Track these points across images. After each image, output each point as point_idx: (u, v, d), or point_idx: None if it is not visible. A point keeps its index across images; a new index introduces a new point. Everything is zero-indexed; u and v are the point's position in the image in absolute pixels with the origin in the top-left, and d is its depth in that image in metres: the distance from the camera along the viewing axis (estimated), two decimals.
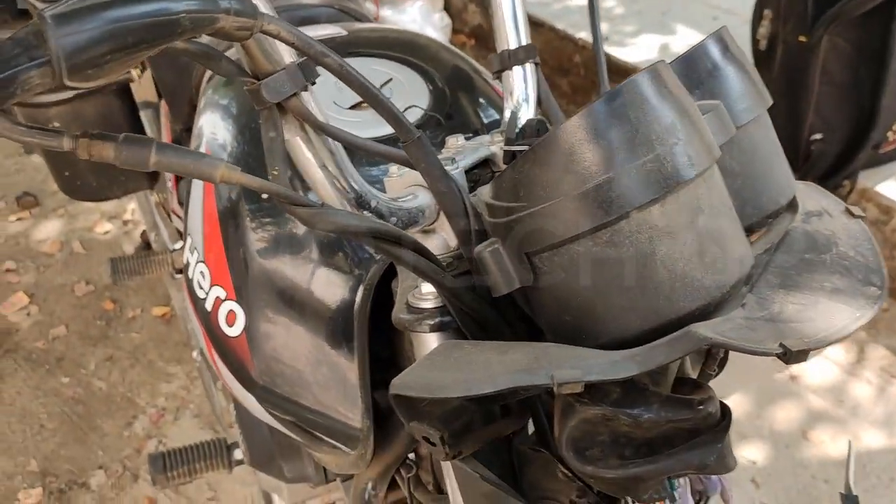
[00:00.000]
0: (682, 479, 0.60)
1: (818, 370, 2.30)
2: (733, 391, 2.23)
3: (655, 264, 0.53)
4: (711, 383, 0.66)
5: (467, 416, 0.62)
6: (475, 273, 0.61)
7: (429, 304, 0.64)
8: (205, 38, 0.53)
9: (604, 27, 3.22)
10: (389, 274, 0.81)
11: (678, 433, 0.58)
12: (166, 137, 1.59)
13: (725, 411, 0.59)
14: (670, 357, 0.51)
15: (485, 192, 0.61)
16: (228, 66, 0.57)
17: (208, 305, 0.90)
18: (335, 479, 1.12)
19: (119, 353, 2.46)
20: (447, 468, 0.68)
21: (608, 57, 3.04)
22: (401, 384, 0.54)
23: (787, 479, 2.06)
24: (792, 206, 0.71)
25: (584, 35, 3.18)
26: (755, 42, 2.49)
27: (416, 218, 0.67)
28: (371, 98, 0.57)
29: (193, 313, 0.95)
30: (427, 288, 0.64)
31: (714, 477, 0.66)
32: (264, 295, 0.87)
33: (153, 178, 1.78)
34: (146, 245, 2.48)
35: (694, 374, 0.70)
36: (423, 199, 0.69)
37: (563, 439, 0.58)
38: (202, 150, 1.01)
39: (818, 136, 2.37)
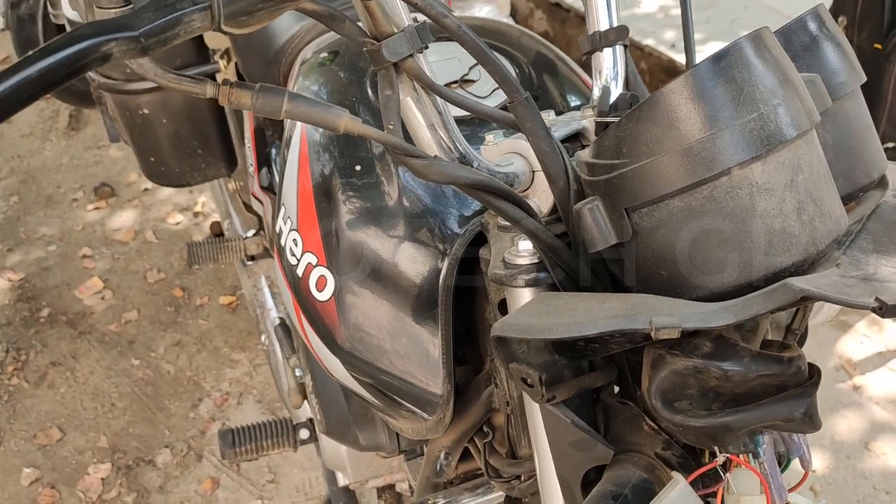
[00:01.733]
0: (766, 437, 0.62)
1: (882, 382, 2.27)
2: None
3: (754, 219, 0.56)
4: None
5: (559, 369, 0.64)
6: (571, 231, 0.64)
7: (525, 261, 0.67)
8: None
9: (671, 34, 3.22)
10: (473, 248, 0.85)
11: (766, 389, 0.60)
12: (249, 127, 1.65)
13: (814, 370, 0.61)
14: (766, 308, 0.53)
15: (584, 154, 0.63)
16: (351, 28, 0.61)
17: (300, 271, 0.95)
18: (406, 450, 1.15)
19: (187, 338, 2.54)
20: (535, 416, 0.70)
21: (675, 64, 3.04)
22: (503, 326, 0.57)
23: (848, 490, 2.03)
24: (882, 182, 0.72)
25: (651, 42, 3.19)
26: None
27: (512, 182, 0.71)
28: (485, 58, 0.60)
29: (283, 280, 1.00)
30: (524, 245, 0.67)
31: (798, 439, 0.67)
32: (353, 262, 0.91)
33: (232, 166, 1.85)
34: (216, 236, 2.56)
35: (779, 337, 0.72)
36: (519, 165, 0.72)
37: (651, 390, 0.60)
38: (297, 132, 1.05)
39: (891, 144, 2.34)
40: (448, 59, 1.02)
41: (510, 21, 3.56)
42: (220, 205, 2.28)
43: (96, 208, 3.01)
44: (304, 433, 1.72)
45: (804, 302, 0.54)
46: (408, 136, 0.66)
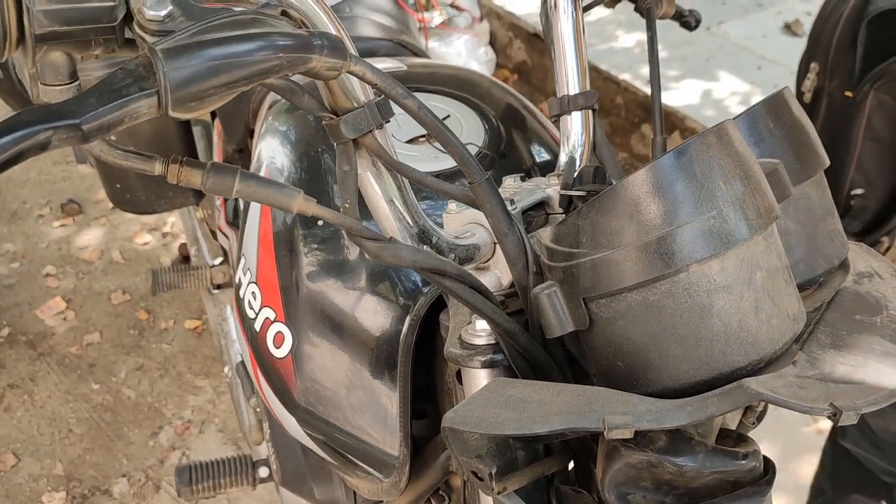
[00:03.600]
0: None
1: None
2: (759, 442, 2.22)
3: (711, 317, 0.55)
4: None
5: (512, 453, 0.63)
6: (529, 314, 0.63)
7: (481, 341, 0.66)
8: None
9: (647, 70, 3.24)
10: (434, 306, 0.83)
11: (721, 485, 0.59)
12: (218, 156, 1.63)
13: (769, 466, 0.60)
14: (721, 409, 0.52)
15: (544, 234, 0.62)
16: (310, 101, 0.59)
17: (257, 326, 0.93)
18: None
19: (149, 363, 2.49)
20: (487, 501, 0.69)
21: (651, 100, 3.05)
22: (455, 418, 0.56)
23: None
24: (844, 266, 0.72)
25: (627, 77, 3.21)
26: (800, 94, 2.50)
27: (473, 255, 0.69)
28: (444, 138, 0.59)
29: (241, 333, 0.97)
30: (481, 325, 0.66)
31: None
32: (312, 319, 0.90)
33: (200, 195, 1.82)
34: (183, 258, 2.53)
35: (733, 426, 0.71)
36: (481, 236, 0.71)
37: (606, 482, 0.59)
38: (261, 173, 1.04)
39: (859, 191, 2.36)
40: None
41: (487, 50, 3.56)
42: (188, 230, 2.25)
43: (62, 225, 2.96)
44: (263, 471, 1.68)
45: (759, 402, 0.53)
46: (367, 210, 0.64)
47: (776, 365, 0.57)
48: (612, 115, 3.18)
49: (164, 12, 0.51)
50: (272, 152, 1.02)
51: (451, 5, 3.35)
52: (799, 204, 0.67)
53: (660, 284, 0.55)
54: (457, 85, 1.09)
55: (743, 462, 0.58)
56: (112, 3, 0.51)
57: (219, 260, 2.02)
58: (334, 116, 0.60)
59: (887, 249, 2.48)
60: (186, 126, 1.72)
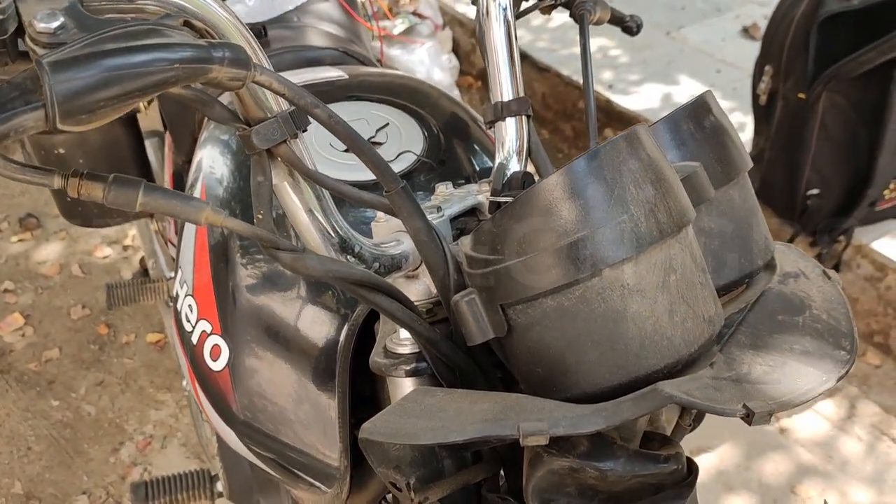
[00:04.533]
0: None
1: (808, 424, 2.30)
2: (722, 442, 2.23)
3: (626, 322, 0.55)
4: (694, 435, 0.67)
5: (437, 462, 0.63)
6: (452, 321, 0.63)
7: (405, 350, 0.65)
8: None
9: (608, 75, 3.26)
10: (375, 315, 0.83)
11: (644, 487, 0.59)
12: (168, 169, 1.62)
13: (692, 468, 0.60)
14: (636, 413, 0.52)
15: (466, 242, 0.62)
16: (221, 112, 0.58)
17: (194, 339, 0.92)
18: None
19: (110, 378, 2.46)
20: None
21: (612, 104, 3.07)
22: (371, 429, 0.55)
23: None
24: (770, 266, 0.72)
25: None
26: (755, 97, 2.53)
27: (400, 263, 0.69)
28: (357, 147, 0.59)
29: (180, 346, 0.96)
30: (405, 334, 0.65)
31: None
32: (250, 330, 0.89)
33: None
34: (144, 271, 2.50)
35: (670, 428, 0.71)
36: (408, 245, 0.70)
37: (529, 489, 0.59)
38: (199, 183, 1.02)
39: (815, 191, 2.39)
40: (356, 119, 1.01)
41: (450, 57, 3.56)
42: (145, 243, 2.23)
43: (20, 240, 2.91)
44: (221, 485, 1.67)
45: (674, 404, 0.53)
46: (283, 222, 0.63)
47: (694, 367, 0.57)
48: (575, 120, 3.19)
49: (55, 24, 0.50)
50: (212, 161, 1.01)
51: (414, 13, 3.35)
52: (722, 207, 0.68)
53: (574, 289, 0.55)
54: (399, 94, 1.08)
55: (664, 465, 0.58)
56: (1, 16, 0.50)
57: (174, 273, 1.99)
58: (247, 127, 0.59)
59: (844, 249, 2.52)
60: (138, 138, 1.70)
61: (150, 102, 1.70)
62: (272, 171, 0.60)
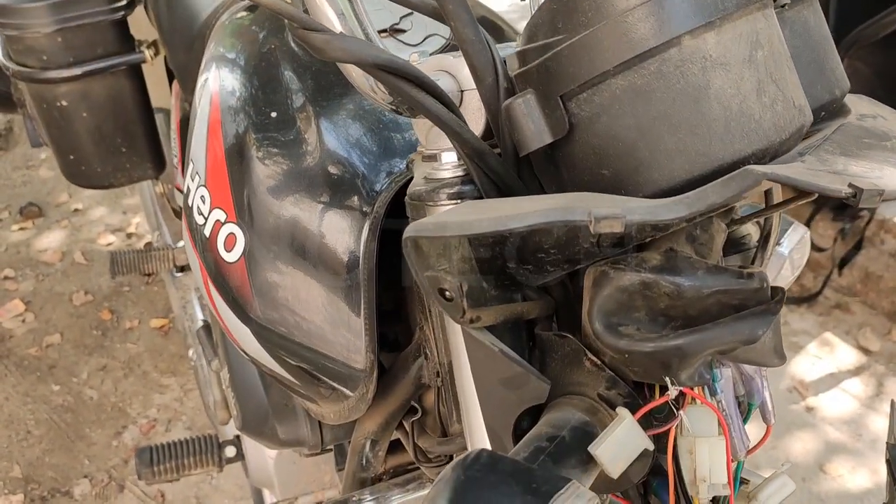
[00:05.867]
0: (725, 371, 0.54)
1: (836, 403, 2.22)
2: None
3: (709, 99, 0.48)
4: None
5: (485, 292, 0.55)
6: (500, 135, 0.55)
7: (448, 174, 0.58)
8: None
9: None
10: (396, 217, 0.77)
11: (723, 308, 0.52)
12: (176, 121, 1.56)
13: (777, 290, 0.53)
14: (723, 196, 0.45)
15: (516, 42, 0.56)
16: None
17: (207, 230, 0.85)
18: (331, 446, 1.04)
19: (113, 363, 2.39)
20: (461, 357, 0.61)
21: None
22: (418, 227, 0.48)
23: None
24: (843, 110, 0.65)
25: None
26: None
27: None
28: None
29: (191, 246, 0.89)
30: (448, 157, 0.58)
31: (760, 382, 0.59)
32: (266, 219, 0.82)
33: (160, 167, 1.74)
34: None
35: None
36: (446, 84, 0.63)
37: (593, 312, 0.51)
38: (208, 98, 0.96)
39: None
40: (377, 10, 0.94)
41: None
42: (148, 215, 2.16)
43: (21, 229, 2.85)
44: (230, 451, 1.59)
45: (789, 204, 0.46)
46: None
47: (784, 160, 0.50)
48: None
49: None
50: (219, 78, 0.95)
51: None
52: (796, 27, 0.61)
53: (648, 63, 0.48)
54: None
55: (748, 280, 0.51)
56: None
57: (181, 242, 1.93)
58: None
59: (867, 223, 2.45)
60: (142, 88, 1.64)
61: (156, 54, 1.64)
62: None
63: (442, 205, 0.58)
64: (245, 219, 0.82)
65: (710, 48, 0.48)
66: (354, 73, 0.59)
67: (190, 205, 0.88)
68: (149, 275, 2.52)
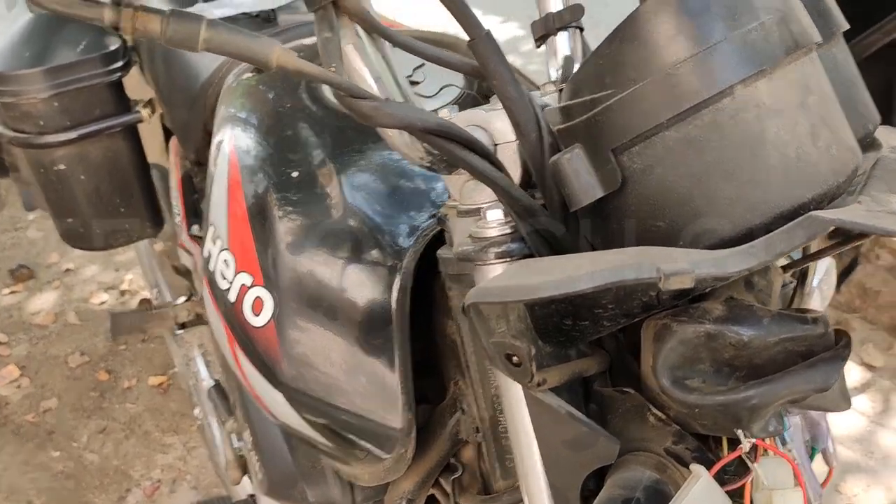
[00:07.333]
0: (794, 419, 0.53)
1: (844, 421, 2.21)
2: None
3: (765, 147, 0.48)
4: None
5: (542, 353, 0.54)
6: (546, 191, 0.55)
7: (494, 232, 0.57)
8: None
9: None
10: (424, 271, 0.76)
11: (789, 356, 0.51)
12: (176, 175, 1.55)
13: (842, 334, 0.52)
14: (791, 244, 0.45)
15: (554, 102, 0.55)
16: None
17: (232, 295, 0.83)
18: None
19: (113, 424, 2.34)
20: (518, 416, 0.59)
21: None
22: (479, 292, 0.47)
23: None
24: (875, 143, 0.65)
25: None
26: None
27: None
28: None
29: (215, 310, 0.88)
30: (493, 214, 0.58)
31: (825, 425, 0.58)
32: (294, 281, 0.81)
33: (158, 225, 1.72)
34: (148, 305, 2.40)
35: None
36: (481, 137, 0.63)
37: (658, 367, 0.51)
38: (225, 159, 0.95)
39: None
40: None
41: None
42: (146, 273, 2.14)
43: (13, 292, 2.81)
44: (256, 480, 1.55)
45: (847, 244, 0.45)
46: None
47: (840, 203, 0.49)
48: None
49: None
50: (234, 138, 0.95)
51: None
52: (827, 65, 0.61)
53: (702, 114, 0.48)
54: (423, 39, 1.02)
55: (813, 326, 0.50)
56: None
57: (182, 298, 1.90)
58: None
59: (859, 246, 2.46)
60: (139, 149, 1.63)
61: (153, 112, 1.64)
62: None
63: (491, 264, 0.57)
64: (272, 281, 0.81)
65: (763, 96, 0.48)
66: (390, 132, 0.59)
67: (212, 269, 0.87)
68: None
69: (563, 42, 0.79)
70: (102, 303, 2.75)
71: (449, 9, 0.53)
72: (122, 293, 2.79)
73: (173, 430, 2.32)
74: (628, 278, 0.44)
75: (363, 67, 0.55)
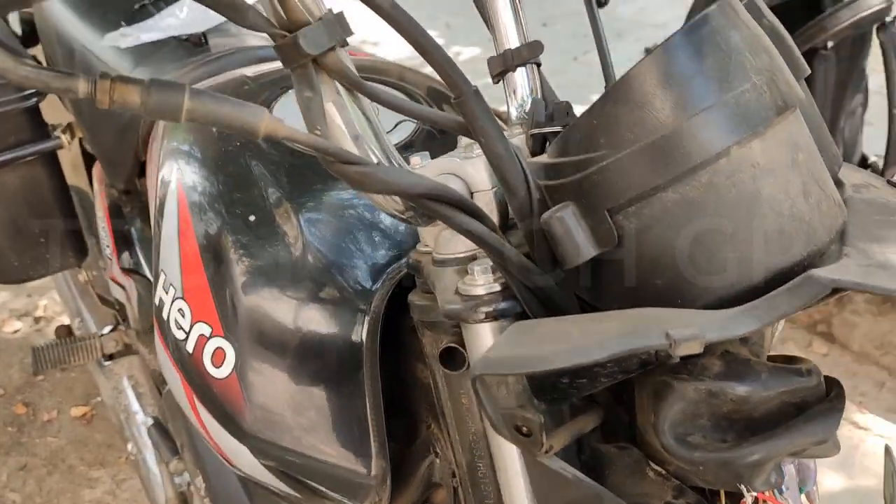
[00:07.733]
0: (789, 469, 0.54)
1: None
2: None
3: (761, 206, 0.48)
4: None
5: (538, 410, 0.53)
6: (536, 249, 0.54)
7: (482, 290, 0.56)
8: None
9: None
10: (393, 305, 0.75)
11: (784, 409, 0.52)
12: (102, 204, 1.47)
13: (832, 382, 0.53)
14: (793, 306, 0.45)
15: (541, 157, 0.54)
16: (256, 18, 0.49)
17: (189, 346, 0.79)
18: None
19: (34, 460, 2.22)
20: (512, 480, 0.58)
21: None
22: (487, 363, 0.46)
23: None
24: (840, 182, 0.67)
25: None
26: None
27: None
28: (423, 46, 0.51)
29: (169, 360, 0.83)
30: (480, 272, 0.56)
31: (812, 466, 0.59)
32: (256, 329, 0.78)
33: (81, 255, 1.64)
34: (69, 333, 2.29)
35: None
36: (456, 186, 0.62)
37: (661, 426, 0.50)
38: (172, 198, 0.91)
39: None
40: None
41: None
42: (67, 301, 2.03)
43: None
44: None
45: (832, 296, 0.46)
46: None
47: (830, 258, 0.50)
48: None
49: None
50: (179, 174, 0.90)
51: None
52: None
53: (699, 175, 0.48)
54: (375, 72, 1.00)
55: (807, 378, 0.51)
56: None
57: (108, 328, 1.82)
58: (287, 34, 0.50)
59: None
60: (59, 176, 1.55)
61: (73, 137, 1.56)
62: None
63: (482, 323, 0.56)
64: (232, 330, 0.78)
65: (758, 156, 0.48)
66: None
67: (166, 318, 0.83)
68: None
69: (521, 79, 0.79)
70: (16, 331, 2.61)
71: (434, 66, 0.52)
72: (37, 320, 2.66)
73: (100, 462, 2.22)
74: (640, 346, 0.44)
75: (343, 132, 0.53)
